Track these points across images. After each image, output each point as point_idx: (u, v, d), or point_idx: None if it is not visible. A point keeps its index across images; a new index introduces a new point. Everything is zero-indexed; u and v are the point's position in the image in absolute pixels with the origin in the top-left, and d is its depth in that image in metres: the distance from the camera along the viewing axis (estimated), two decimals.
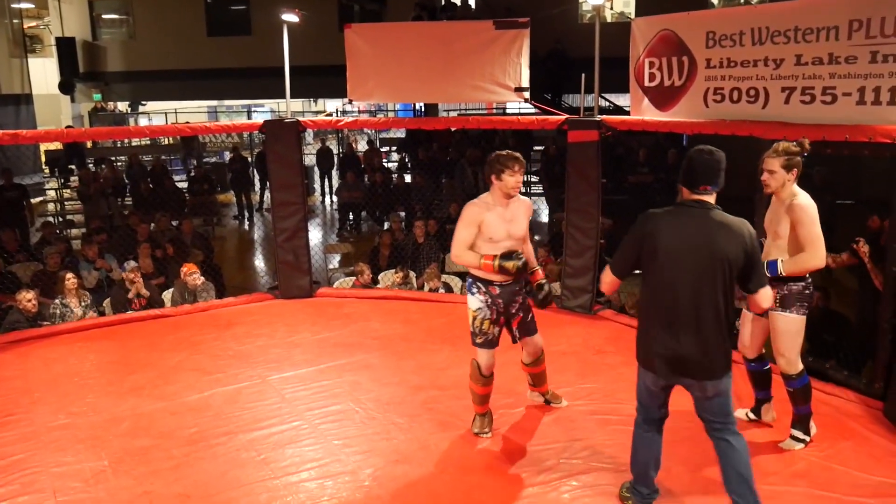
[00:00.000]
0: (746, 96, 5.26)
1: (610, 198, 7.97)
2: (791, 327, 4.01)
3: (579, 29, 14.23)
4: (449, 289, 7.61)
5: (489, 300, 4.15)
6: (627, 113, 6.83)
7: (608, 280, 3.44)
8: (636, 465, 3.54)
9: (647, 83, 6.05)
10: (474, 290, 4.18)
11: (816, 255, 3.87)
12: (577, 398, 4.82)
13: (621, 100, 12.79)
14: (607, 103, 13.12)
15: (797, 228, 3.89)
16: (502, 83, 6.76)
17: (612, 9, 16.09)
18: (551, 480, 3.86)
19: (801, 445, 4.11)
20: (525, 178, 5.85)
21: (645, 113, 6.10)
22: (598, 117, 6.46)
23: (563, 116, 6.63)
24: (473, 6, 16.02)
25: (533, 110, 9.75)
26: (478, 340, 4.22)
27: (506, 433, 4.38)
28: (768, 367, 4.36)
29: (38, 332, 6.28)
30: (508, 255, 4.03)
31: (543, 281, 4.40)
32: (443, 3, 15.24)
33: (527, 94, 6.76)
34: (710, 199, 3.20)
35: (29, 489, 3.88)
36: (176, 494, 3.82)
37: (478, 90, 6.86)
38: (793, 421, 4.16)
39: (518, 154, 4.09)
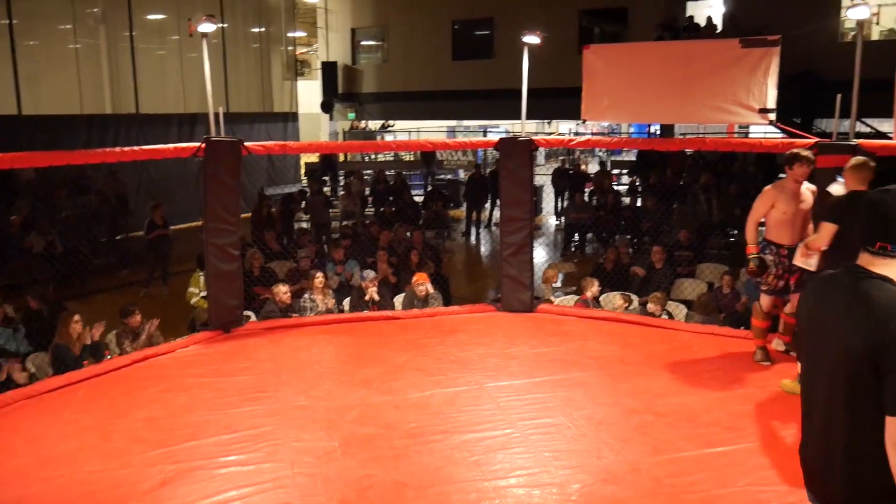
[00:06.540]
0: None
1: None
2: None
3: (838, 48, 13.08)
4: (670, 316, 7.34)
5: (777, 259, 5.44)
6: (891, 139, 6.19)
7: None
8: None
9: None
10: (767, 251, 5.49)
11: None
12: None
13: (885, 125, 11.55)
14: (867, 129, 11.92)
15: None
16: (746, 104, 6.42)
17: (877, 24, 14.54)
18: None
19: None
20: None
21: None
22: (854, 141, 5.92)
23: (813, 140, 6.16)
24: (720, 27, 15.34)
25: (779, 134, 9.16)
26: (763, 288, 5.59)
27: (723, 467, 4.16)
28: None
29: (288, 322, 7.02)
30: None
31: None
32: (686, 23, 14.78)
33: (772, 116, 6.36)
34: None
35: (272, 458, 4.37)
36: (394, 481, 4.09)
37: (718, 111, 6.59)
38: None
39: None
